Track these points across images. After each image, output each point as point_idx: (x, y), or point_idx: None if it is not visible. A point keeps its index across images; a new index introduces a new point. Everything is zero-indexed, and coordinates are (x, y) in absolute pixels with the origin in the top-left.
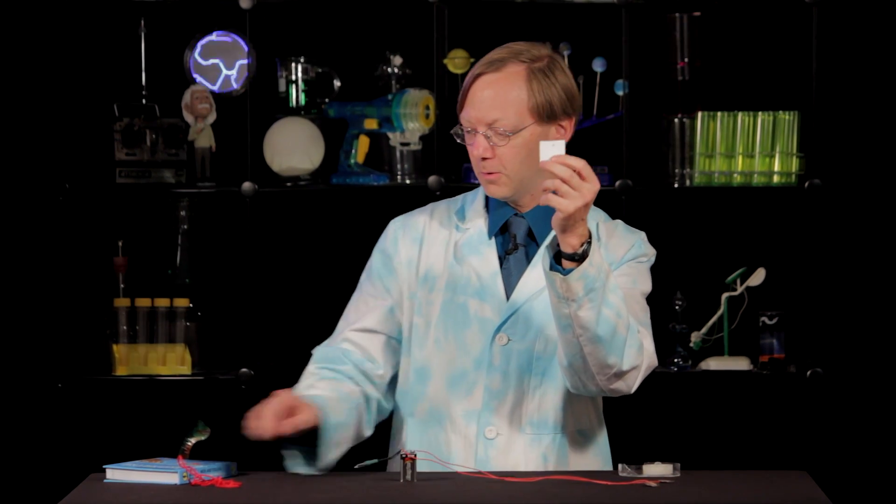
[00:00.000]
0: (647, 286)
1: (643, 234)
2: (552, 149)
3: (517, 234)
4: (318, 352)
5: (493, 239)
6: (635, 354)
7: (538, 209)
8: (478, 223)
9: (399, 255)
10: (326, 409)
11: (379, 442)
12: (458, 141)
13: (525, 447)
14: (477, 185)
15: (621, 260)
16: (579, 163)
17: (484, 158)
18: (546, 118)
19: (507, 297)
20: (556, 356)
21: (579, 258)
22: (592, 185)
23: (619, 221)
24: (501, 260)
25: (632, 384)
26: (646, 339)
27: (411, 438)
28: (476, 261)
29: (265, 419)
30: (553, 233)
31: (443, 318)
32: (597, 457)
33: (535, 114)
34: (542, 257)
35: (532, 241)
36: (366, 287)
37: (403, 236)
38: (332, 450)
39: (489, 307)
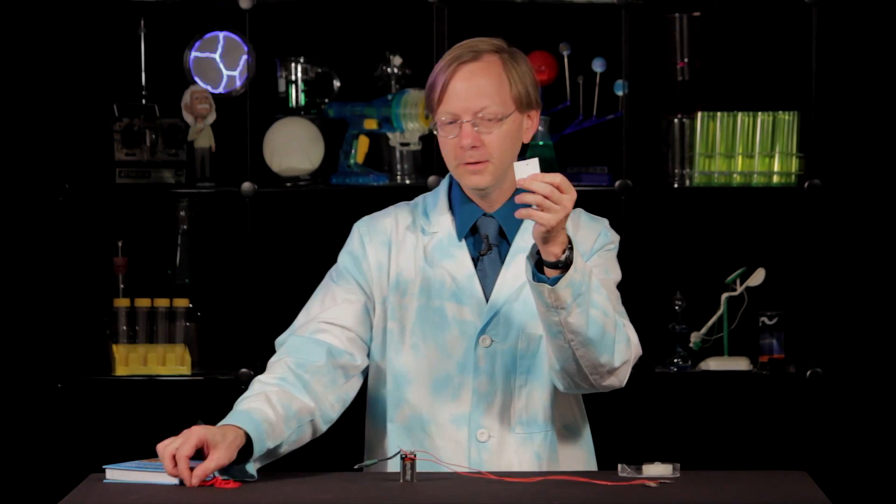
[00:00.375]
0: (618, 274)
1: (606, 221)
2: (527, 168)
3: (489, 235)
4: (291, 342)
5: (464, 241)
6: (624, 349)
7: (506, 207)
8: (445, 225)
9: (368, 259)
10: (262, 434)
11: None
12: (442, 134)
13: (517, 447)
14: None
15: (591, 250)
16: (557, 178)
17: (473, 147)
18: (524, 107)
19: (487, 299)
20: (538, 354)
21: (563, 265)
22: (572, 196)
23: (580, 210)
24: (475, 261)
25: (623, 378)
26: (630, 331)
27: (395, 445)
28: (449, 264)
29: (182, 470)
30: (531, 242)
31: (419, 322)
32: (583, 450)
33: (515, 101)
34: (524, 269)
35: (504, 241)
36: (335, 285)
37: (371, 240)
38: (263, 461)
39: (468, 310)
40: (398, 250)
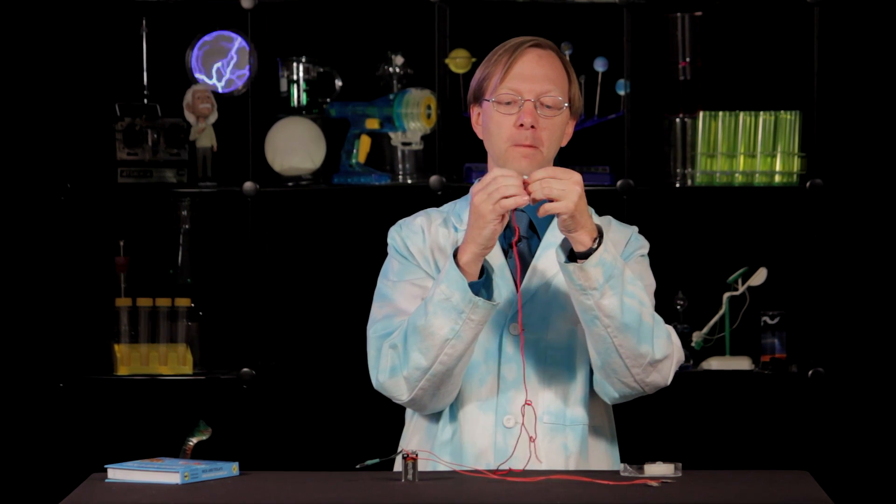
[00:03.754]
0: (652, 282)
1: (636, 228)
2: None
3: (520, 227)
4: (398, 319)
5: None
6: (665, 343)
7: (538, 203)
8: None
9: (415, 258)
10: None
11: (379, 442)
12: (499, 110)
13: (545, 437)
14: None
15: (623, 254)
16: (546, 171)
17: (532, 127)
18: (573, 110)
19: (517, 289)
20: (570, 348)
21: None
22: (572, 176)
23: (609, 217)
24: (505, 252)
25: (667, 375)
26: (671, 332)
27: (426, 429)
28: None
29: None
30: (561, 236)
31: None
32: (610, 455)
33: (570, 100)
34: (555, 254)
35: (534, 234)
36: (406, 273)
37: (410, 238)
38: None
39: (497, 281)
40: (433, 243)
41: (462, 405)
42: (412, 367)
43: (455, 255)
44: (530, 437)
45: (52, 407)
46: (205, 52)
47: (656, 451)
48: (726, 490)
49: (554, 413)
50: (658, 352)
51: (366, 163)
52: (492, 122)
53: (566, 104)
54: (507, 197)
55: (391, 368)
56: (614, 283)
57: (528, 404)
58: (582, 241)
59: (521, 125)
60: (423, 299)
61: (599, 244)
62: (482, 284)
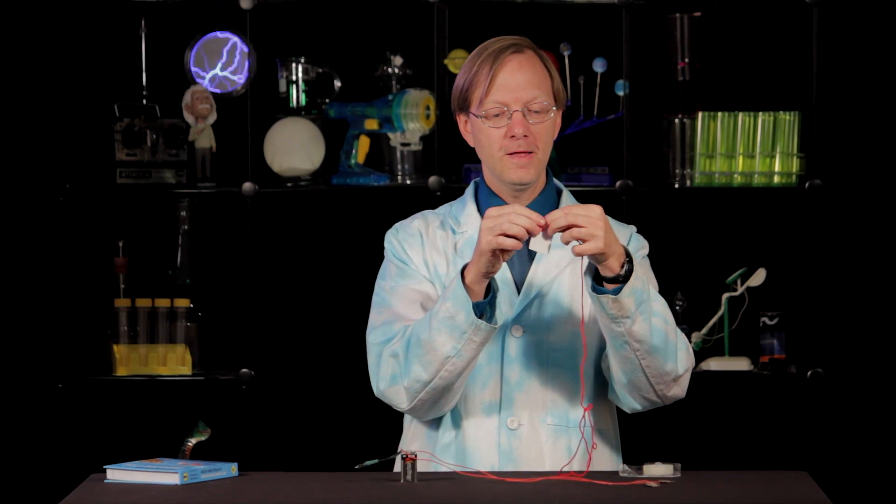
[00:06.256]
0: (656, 284)
1: (634, 228)
2: (542, 240)
3: None
4: (399, 326)
5: None
6: (685, 357)
7: (535, 205)
8: (474, 224)
9: (413, 261)
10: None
11: (379, 442)
12: (488, 125)
13: (549, 438)
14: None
15: None
16: (564, 213)
17: (525, 136)
18: (559, 104)
19: (518, 292)
20: (572, 349)
21: (623, 278)
22: (592, 212)
23: (607, 217)
24: None
25: (685, 387)
26: (687, 341)
27: (427, 432)
28: None
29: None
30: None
31: None
32: (613, 456)
33: (555, 97)
34: (584, 283)
35: (531, 236)
36: (403, 277)
37: (407, 241)
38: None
39: (500, 301)
40: (430, 247)
41: (465, 407)
42: (413, 378)
43: (463, 271)
44: (592, 445)
45: (52, 407)
46: (204, 52)
47: (655, 452)
48: (725, 490)
49: (557, 415)
50: (681, 367)
51: (365, 163)
52: (482, 135)
53: (553, 107)
54: (508, 235)
55: (392, 377)
56: (644, 308)
57: (588, 409)
58: (611, 268)
59: (513, 136)
60: (421, 304)
61: (629, 269)
62: (488, 303)
